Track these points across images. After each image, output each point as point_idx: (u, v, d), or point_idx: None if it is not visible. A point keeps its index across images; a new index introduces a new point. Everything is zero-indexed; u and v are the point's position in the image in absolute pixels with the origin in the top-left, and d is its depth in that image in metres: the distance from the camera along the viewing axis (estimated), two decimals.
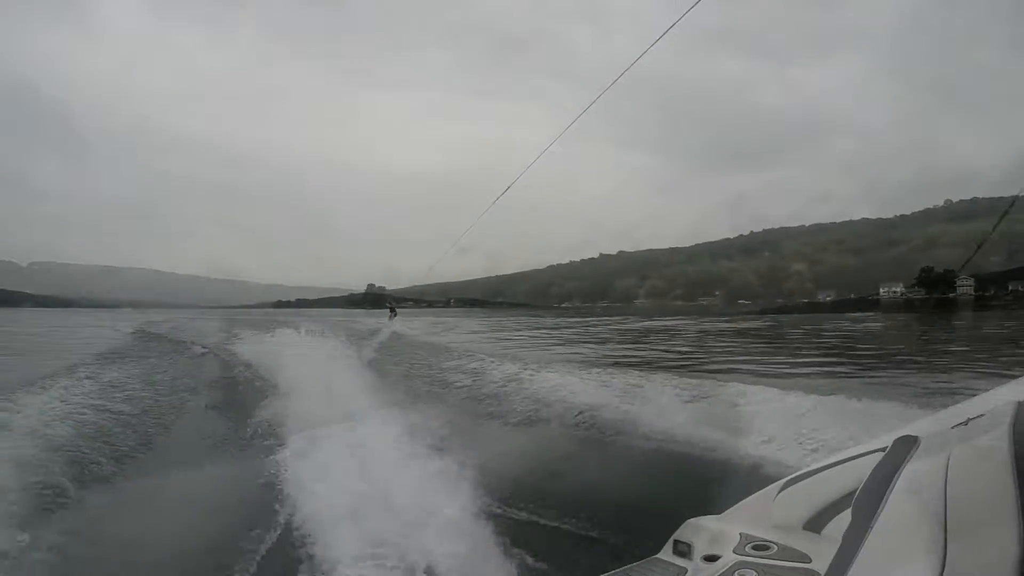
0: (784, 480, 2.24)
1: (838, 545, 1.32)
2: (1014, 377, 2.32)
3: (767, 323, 48.30)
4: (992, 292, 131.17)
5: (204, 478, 6.47)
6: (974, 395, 2.02)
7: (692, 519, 2.27)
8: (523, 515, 5.06)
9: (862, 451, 1.95)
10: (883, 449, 1.61)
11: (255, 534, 4.61)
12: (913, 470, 1.32)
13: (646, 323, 48.98)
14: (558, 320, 64.41)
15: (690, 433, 6.83)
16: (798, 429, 6.49)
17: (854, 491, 1.53)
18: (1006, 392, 1.92)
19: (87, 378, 11.35)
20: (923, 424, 1.78)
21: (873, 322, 42.19)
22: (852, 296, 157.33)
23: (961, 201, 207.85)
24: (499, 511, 4.98)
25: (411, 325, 32.45)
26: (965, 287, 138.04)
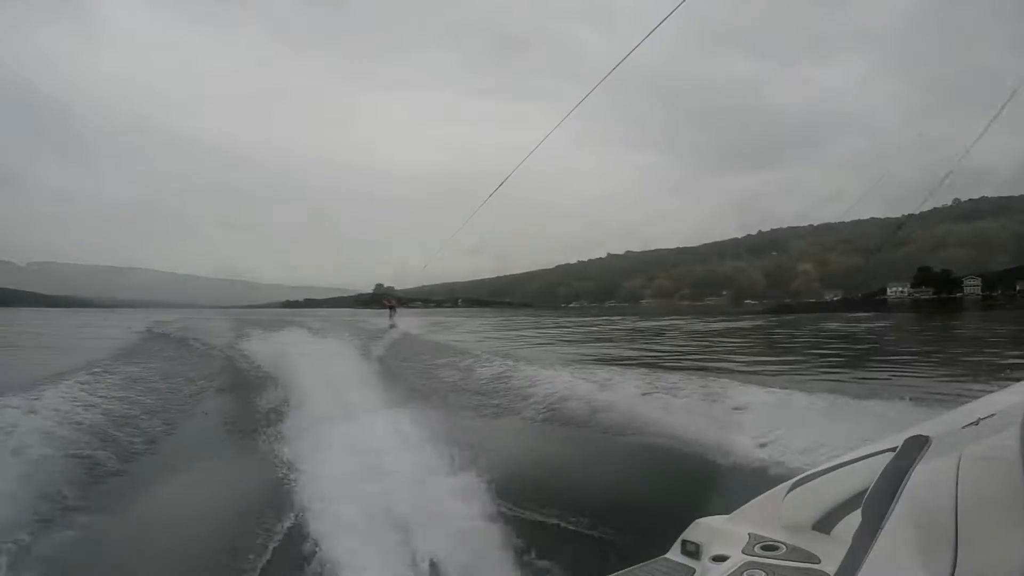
0: (793, 480, 2.23)
1: (848, 546, 1.32)
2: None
3: (759, 322, 48.23)
4: (999, 292, 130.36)
5: (211, 476, 6.51)
6: (984, 395, 2.01)
7: (701, 519, 2.27)
8: (531, 515, 5.06)
9: (872, 451, 1.94)
10: (893, 449, 1.60)
11: (262, 532, 4.64)
12: (924, 470, 1.31)
13: (645, 323, 48.86)
14: (559, 319, 64.35)
15: (698, 433, 6.80)
16: (807, 429, 6.46)
17: (864, 491, 1.51)
18: (1017, 391, 1.91)
19: (90, 378, 11.40)
20: (933, 424, 1.77)
21: (872, 322, 41.92)
22: (859, 296, 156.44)
23: (970, 200, 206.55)
24: (506, 510, 4.98)
25: (410, 323, 32.42)
26: (972, 287, 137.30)
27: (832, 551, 1.81)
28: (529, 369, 12.30)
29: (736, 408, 7.76)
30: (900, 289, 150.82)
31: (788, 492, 2.18)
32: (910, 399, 7.90)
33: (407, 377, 13.50)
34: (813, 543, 1.96)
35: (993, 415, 1.53)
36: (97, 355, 16.40)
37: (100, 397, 9.61)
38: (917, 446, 1.46)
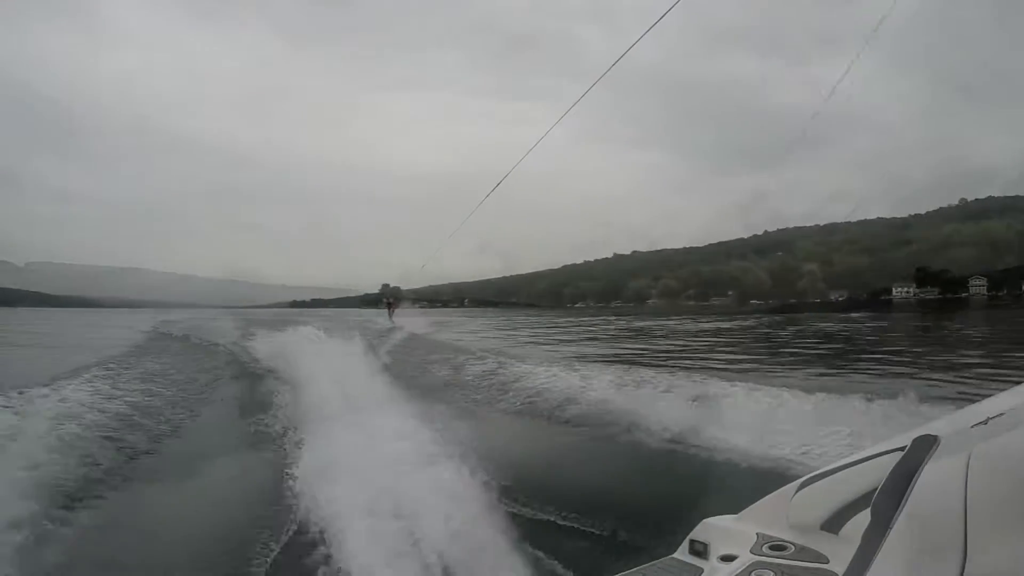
0: (801, 480, 2.22)
1: (856, 546, 1.33)
2: None
3: (753, 321, 48.31)
4: (1005, 291, 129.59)
5: (219, 475, 6.55)
6: (992, 394, 2.00)
7: (708, 519, 2.26)
8: (539, 514, 5.08)
9: (881, 450, 1.93)
10: (902, 448, 1.59)
11: (270, 531, 4.68)
12: (933, 470, 1.31)
13: (646, 323, 48.85)
14: (565, 319, 64.36)
15: (706, 433, 6.80)
16: (814, 428, 6.46)
17: (873, 491, 1.51)
18: None
19: (95, 378, 11.47)
20: (942, 423, 1.76)
21: (870, 322, 41.85)
22: (864, 296, 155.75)
23: (976, 200, 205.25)
24: (514, 510, 5.00)
25: (409, 323, 32.50)
26: (978, 286, 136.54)
27: (841, 551, 1.80)
28: (528, 370, 12.32)
29: (742, 408, 7.77)
30: (905, 289, 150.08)
31: (796, 492, 2.17)
32: (914, 398, 7.85)
33: (412, 374, 13.56)
34: (821, 543, 1.96)
35: (1002, 414, 1.52)
36: (112, 352, 17.07)
37: (120, 390, 9.99)
38: (926, 446, 1.45)
